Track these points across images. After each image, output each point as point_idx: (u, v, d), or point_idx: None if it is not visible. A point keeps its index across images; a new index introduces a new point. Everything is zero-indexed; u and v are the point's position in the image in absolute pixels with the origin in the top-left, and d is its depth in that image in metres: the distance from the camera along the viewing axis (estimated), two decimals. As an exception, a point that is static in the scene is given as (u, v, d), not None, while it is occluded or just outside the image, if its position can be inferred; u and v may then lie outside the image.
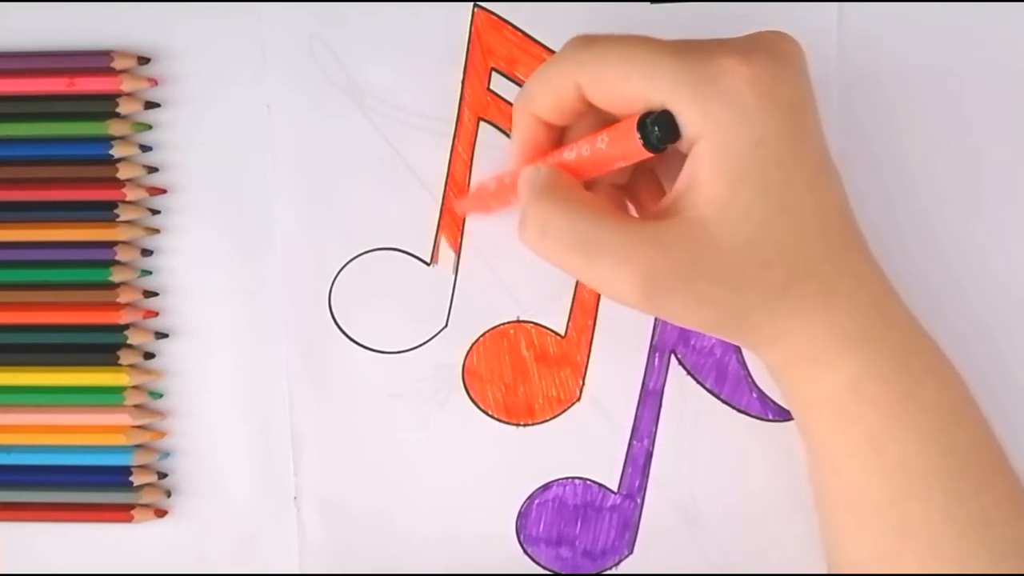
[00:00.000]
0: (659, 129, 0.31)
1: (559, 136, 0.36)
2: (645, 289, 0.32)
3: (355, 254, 0.41)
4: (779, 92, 0.31)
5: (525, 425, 0.41)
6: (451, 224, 0.41)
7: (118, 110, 0.40)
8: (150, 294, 0.41)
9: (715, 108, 0.31)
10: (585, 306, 0.41)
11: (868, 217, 0.40)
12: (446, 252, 0.41)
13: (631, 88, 0.32)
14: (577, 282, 0.41)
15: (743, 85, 0.31)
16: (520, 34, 0.40)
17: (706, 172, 0.31)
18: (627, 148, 0.32)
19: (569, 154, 0.34)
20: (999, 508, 0.34)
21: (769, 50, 0.32)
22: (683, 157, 0.32)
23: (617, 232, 0.32)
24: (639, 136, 0.31)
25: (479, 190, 0.39)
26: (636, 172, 0.37)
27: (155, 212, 0.41)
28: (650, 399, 0.41)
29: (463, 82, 0.40)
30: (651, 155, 0.32)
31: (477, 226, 0.41)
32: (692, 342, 0.41)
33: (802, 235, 0.32)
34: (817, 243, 0.32)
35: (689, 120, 0.31)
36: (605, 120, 0.33)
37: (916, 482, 0.33)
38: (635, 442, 0.41)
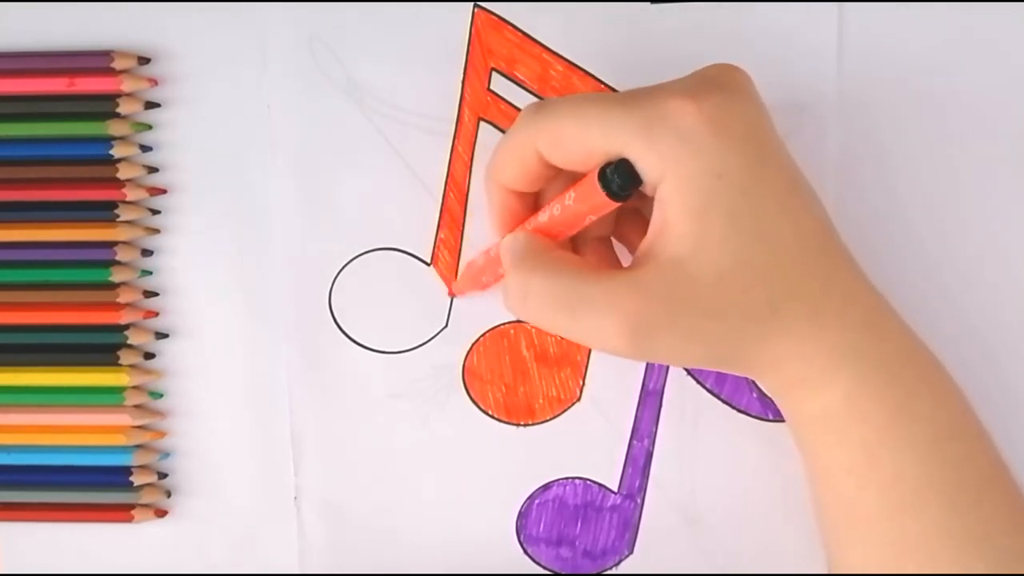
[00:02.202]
0: (619, 177, 0.32)
1: (534, 202, 0.37)
2: (632, 336, 0.32)
3: (355, 254, 0.41)
4: (732, 124, 0.32)
5: (525, 425, 0.41)
6: (451, 224, 0.41)
7: (118, 110, 0.40)
8: (150, 294, 0.41)
9: (670, 148, 0.31)
10: (585, 306, 0.41)
11: (869, 218, 0.40)
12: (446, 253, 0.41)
13: (588, 145, 0.33)
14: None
15: (693, 122, 0.31)
16: (520, 34, 0.40)
17: (673, 211, 0.32)
18: (593, 201, 0.33)
19: (543, 216, 0.35)
20: (998, 519, 0.33)
21: (717, 84, 0.33)
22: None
23: (596, 285, 0.33)
24: (601, 187, 0.32)
25: (469, 268, 0.40)
26: (622, 217, 0.37)
27: (155, 212, 0.41)
28: (650, 399, 0.41)
29: (463, 82, 0.40)
30: (617, 204, 0.32)
31: (477, 226, 0.41)
32: (692, 342, 0.41)
33: (781, 257, 0.32)
34: (798, 263, 0.33)
35: (648, 164, 0.32)
36: (574, 179, 0.34)
37: (912, 495, 0.33)
38: (635, 442, 0.41)
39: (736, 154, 0.32)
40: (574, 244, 0.37)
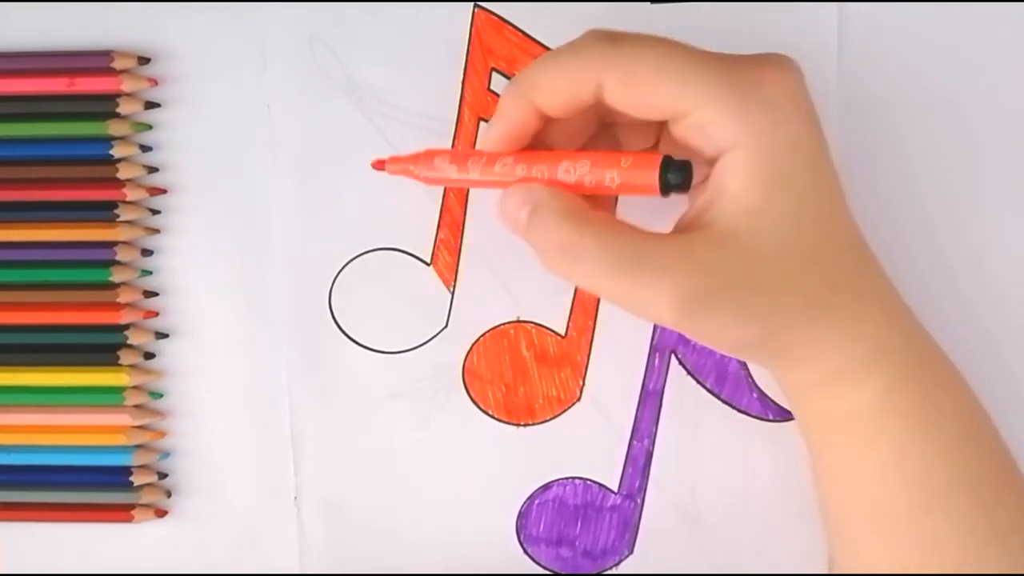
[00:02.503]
0: (680, 176, 0.31)
1: (536, 135, 0.35)
2: (683, 307, 0.31)
3: (355, 254, 0.41)
4: (807, 104, 0.32)
5: (525, 425, 0.41)
6: (451, 224, 0.41)
7: (118, 110, 0.40)
8: (150, 294, 0.41)
9: (754, 114, 0.31)
10: (585, 306, 0.41)
11: (869, 218, 0.40)
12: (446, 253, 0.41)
13: (662, 92, 0.31)
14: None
15: (779, 94, 0.31)
16: (520, 34, 0.40)
17: (740, 181, 0.31)
18: (641, 186, 0.31)
19: (568, 176, 0.33)
20: (1020, 515, 0.34)
21: (790, 67, 0.32)
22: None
23: (653, 248, 0.31)
24: (660, 183, 0.31)
25: (425, 156, 0.36)
26: (595, 140, 0.36)
27: (155, 212, 0.41)
28: (650, 399, 0.41)
29: (463, 82, 0.40)
30: (662, 197, 0.32)
31: (477, 226, 0.41)
32: (692, 342, 0.41)
33: (834, 244, 0.32)
34: (847, 252, 0.33)
35: (722, 129, 0.31)
36: (602, 118, 0.33)
37: (939, 493, 0.33)
38: (635, 442, 0.41)
39: (809, 132, 0.31)
40: None
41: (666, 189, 0.31)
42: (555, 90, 0.33)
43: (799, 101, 0.31)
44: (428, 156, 0.36)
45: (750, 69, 0.31)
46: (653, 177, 0.31)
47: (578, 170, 0.33)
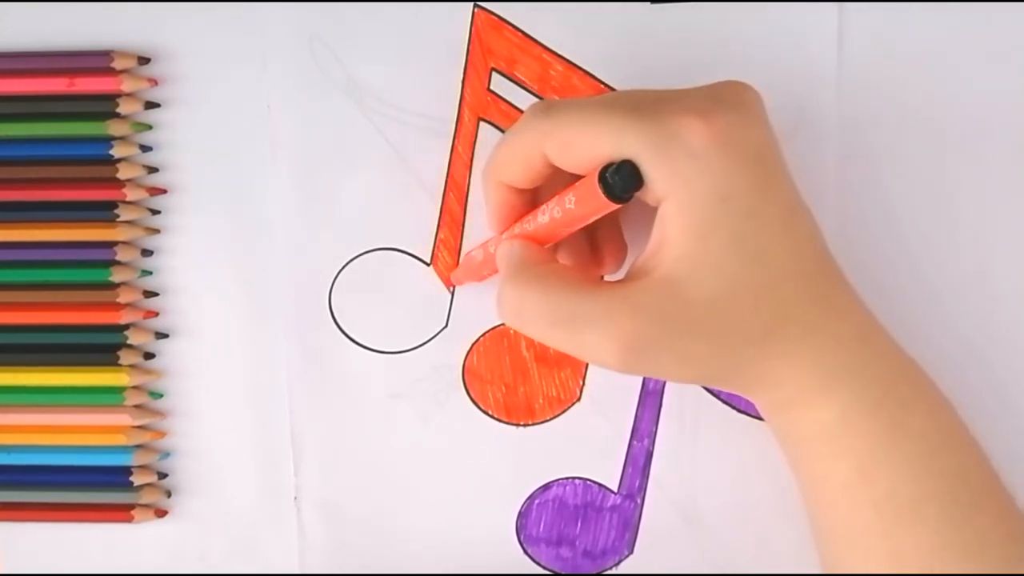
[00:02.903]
0: (620, 179, 0.32)
1: (532, 197, 0.37)
2: (625, 354, 0.32)
3: (355, 254, 0.41)
4: (742, 146, 0.32)
5: (525, 425, 0.41)
6: (451, 224, 0.41)
7: (118, 110, 0.40)
8: (150, 294, 0.41)
9: (678, 167, 0.31)
10: (585, 306, 0.41)
11: (868, 219, 0.40)
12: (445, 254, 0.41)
13: (597, 152, 0.32)
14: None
15: (703, 142, 0.31)
16: (520, 34, 0.40)
17: (674, 230, 0.32)
18: (594, 203, 0.32)
19: (543, 217, 0.35)
20: (994, 530, 0.34)
21: (728, 103, 0.32)
22: (647, 210, 0.33)
23: (590, 302, 0.32)
24: (601, 189, 0.32)
25: (468, 260, 0.40)
26: (600, 227, 0.37)
27: (155, 212, 0.41)
28: (650, 399, 0.41)
29: (463, 82, 0.40)
30: (618, 206, 0.32)
31: (477, 226, 0.41)
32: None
33: (780, 280, 0.32)
34: (796, 285, 0.33)
35: (655, 179, 0.31)
36: (576, 175, 0.34)
37: (908, 510, 0.33)
38: (635, 442, 0.41)
39: (743, 176, 0.32)
40: (558, 245, 0.37)
41: (611, 193, 0.32)
42: (512, 167, 0.35)
43: (728, 145, 0.31)
44: (468, 257, 0.40)
45: (675, 118, 0.31)
46: (595, 184, 0.32)
47: (550, 209, 0.34)
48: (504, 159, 0.35)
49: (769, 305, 0.32)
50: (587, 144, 0.32)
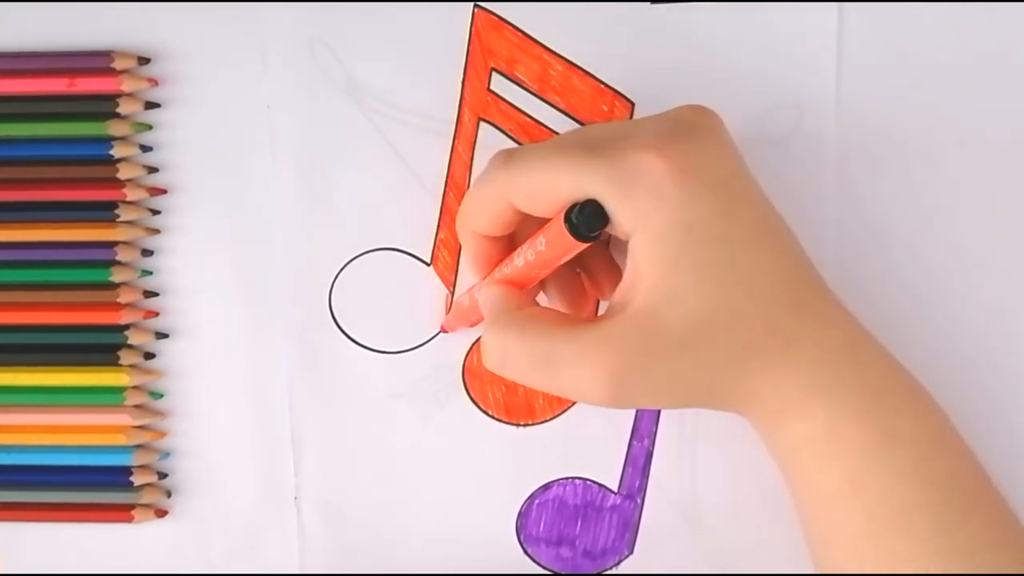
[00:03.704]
0: (584, 219, 0.32)
1: (508, 242, 0.37)
2: (610, 390, 0.32)
3: (355, 254, 0.41)
4: (701, 173, 0.32)
5: (525, 425, 0.41)
6: (451, 224, 0.41)
7: (118, 110, 0.40)
8: (150, 294, 0.41)
9: (640, 203, 0.32)
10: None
11: (868, 218, 0.40)
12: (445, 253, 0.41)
13: (560, 195, 0.33)
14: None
15: (661, 176, 0.31)
16: (520, 34, 0.40)
17: (644, 263, 0.32)
18: (563, 244, 0.33)
19: (518, 260, 0.35)
20: (986, 534, 0.34)
21: (686, 130, 0.33)
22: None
23: (570, 342, 0.33)
24: (568, 230, 0.32)
25: (457, 307, 0.40)
26: (590, 256, 0.37)
27: (155, 212, 0.41)
28: (650, 399, 0.41)
29: (463, 82, 0.40)
30: (587, 245, 0.32)
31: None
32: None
33: (757, 297, 0.33)
34: (775, 299, 0.33)
35: (620, 216, 0.32)
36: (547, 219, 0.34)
37: (898, 517, 0.33)
38: (635, 442, 0.41)
39: (705, 203, 0.32)
40: (544, 281, 0.37)
41: (578, 233, 0.32)
42: (481, 218, 0.36)
43: (687, 175, 0.32)
44: (457, 303, 0.40)
45: (633, 155, 0.32)
46: (562, 226, 0.32)
47: (524, 252, 0.35)
48: (472, 211, 0.36)
49: (747, 324, 0.32)
50: (549, 189, 0.33)
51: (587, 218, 0.32)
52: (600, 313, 0.40)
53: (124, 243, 0.41)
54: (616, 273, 0.38)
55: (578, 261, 0.35)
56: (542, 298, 0.39)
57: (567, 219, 0.32)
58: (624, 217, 0.32)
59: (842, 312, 0.35)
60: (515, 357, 0.34)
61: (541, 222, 0.34)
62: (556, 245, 0.33)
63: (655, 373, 0.33)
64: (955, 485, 0.34)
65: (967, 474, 0.34)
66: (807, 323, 0.33)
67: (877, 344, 0.35)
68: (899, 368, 0.35)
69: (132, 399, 0.41)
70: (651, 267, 0.32)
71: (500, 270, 0.36)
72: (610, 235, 0.34)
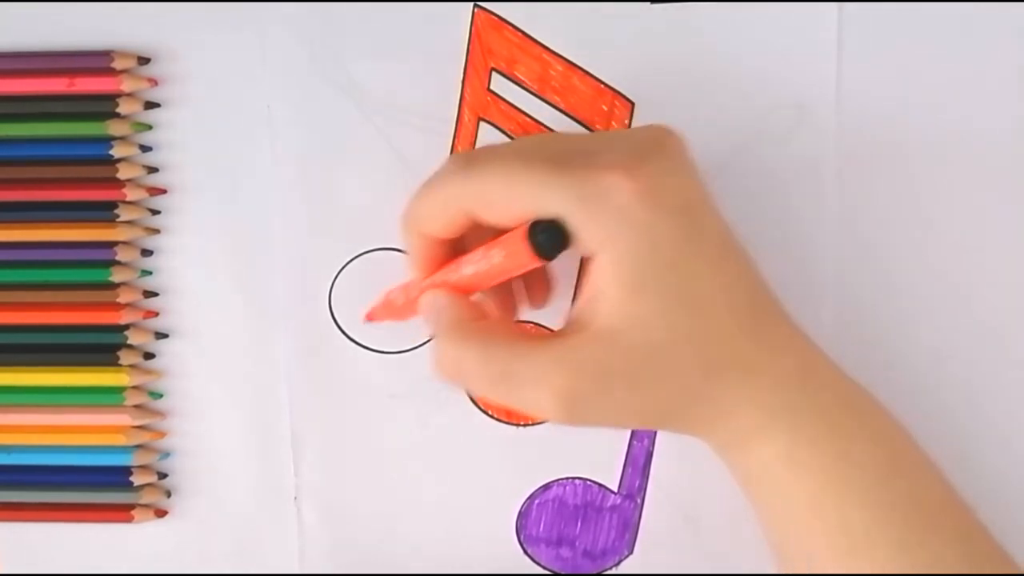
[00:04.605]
0: (549, 238, 0.31)
1: (455, 243, 0.36)
2: (566, 408, 0.32)
3: (355, 254, 0.41)
4: (667, 196, 0.32)
5: (525, 425, 0.41)
6: (451, 224, 0.41)
7: (118, 110, 0.40)
8: (150, 294, 0.41)
9: (607, 224, 0.31)
10: (585, 306, 0.41)
11: (868, 218, 0.40)
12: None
13: (520, 210, 0.32)
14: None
15: (628, 198, 0.31)
16: (520, 34, 0.40)
17: (607, 284, 0.32)
18: (521, 259, 0.32)
19: (468, 269, 0.35)
20: (951, 549, 0.34)
21: (651, 152, 0.32)
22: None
23: (528, 359, 0.33)
24: (531, 247, 0.32)
25: (388, 301, 0.39)
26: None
27: (155, 212, 0.41)
28: (650, 399, 0.41)
29: (463, 82, 0.40)
30: (546, 262, 0.32)
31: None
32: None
33: (714, 325, 0.33)
34: (731, 330, 0.33)
35: (585, 235, 0.32)
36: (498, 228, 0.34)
37: (860, 539, 0.33)
38: (635, 442, 0.41)
39: (671, 227, 0.32)
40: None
41: (540, 251, 0.32)
42: (432, 221, 0.35)
43: (654, 197, 0.31)
44: (388, 299, 0.39)
45: (600, 174, 0.31)
46: (524, 242, 0.32)
47: (476, 261, 0.34)
48: (423, 213, 0.35)
49: (704, 351, 0.33)
50: (509, 201, 0.33)
51: (552, 238, 0.31)
52: (519, 318, 0.40)
53: (124, 243, 0.41)
54: (546, 285, 0.38)
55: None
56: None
57: (530, 237, 0.32)
58: (589, 237, 0.32)
59: (798, 337, 0.35)
60: (471, 370, 0.34)
61: (490, 232, 0.34)
62: (513, 259, 0.33)
63: (612, 394, 0.33)
64: (917, 505, 0.34)
65: (929, 493, 0.34)
66: (763, 350, 0.33)
67: (833, 368, 0.35)
68: (856, 391, 0.35)
69: (132, 399, 0.41)
70: (614, 288, 0.32)
71: (445, 274, 0.36)
72: None
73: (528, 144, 0.36)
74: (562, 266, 0.38)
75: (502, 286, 0.37)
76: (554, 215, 0.32)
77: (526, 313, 0.40)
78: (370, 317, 0.40)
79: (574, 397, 0.32)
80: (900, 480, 0.34)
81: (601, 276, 0.32)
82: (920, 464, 0.35)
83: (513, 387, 0.33)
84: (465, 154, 0.34)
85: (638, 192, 0.31)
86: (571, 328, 0.33)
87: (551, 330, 0.39)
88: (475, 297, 0.36)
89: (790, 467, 0.33)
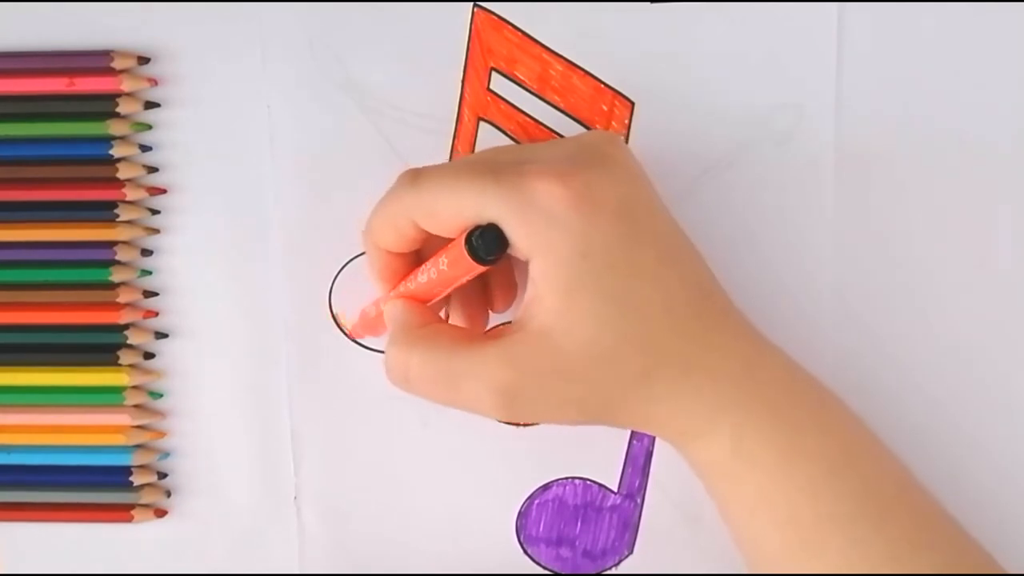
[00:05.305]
0: (484, 243, 0.33)
1: (415, 257, 0.37)
2: (505, 404, 0.33)
3: (355, 254, 0.41)
4: (601, 202, 0.33)
5: (525, 425, 0.41)
6: (451, 224, 0.41)
7: (118, 110, 0.40)
8: (150, 294, 0.41)
9: (539, 229, 0.32)
10: (585, 306, 0.41)
11: (868, 218, 0.40)
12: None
13: (463, 217, 0.33)
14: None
15: (561, 204, 0.32)
16: (520, 34, 0.40)
17: (542, 286, 0.33)
18: (463, 265, 0.34)
19: (422, 277, 0.36)
20: (906, 539, 0.34)
21: (589, 159, 0.33)
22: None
23: (469, 358, 0.34)
24: (468, 253, 0.33)
25: (364, 317, 0.40)
26: (493, 272, 0.37)
27: (155, 212, 0.41)
28: (650, 399, 0.41)
29: (463, 82, 0.40)
30: (486, 268, 0.33)
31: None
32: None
33: (652, 325, 0.33)
34: (670, 331, 0.33)
35: (519, 241, 0.33)
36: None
37: (811, 532, 0.34)
38: (635, 442, 0.41)
39: (603, 232, 0.32)
40: (452, 293, 0.38)
41: (477, 256, 0.33)
42: (386, 235, 0.36)
43: (587, 204, 0.32)
44: (363, 313, 0.40)
45: (533, 182, 0.32)
46: (463, 248, 0.33)
47: (428, 270, 0.36)
48: (377, 227, 0.37)
49: (642, 350, 0.33)
50: (452, 211, 0.34)
51: (487, 242, 0.33)
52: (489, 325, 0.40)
53: (124, 243, 0.41)
54: (511, 287, 0.39)
55: (481, 276, 0.35)
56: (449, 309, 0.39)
57: (467, 242, 0.33)
58: (522, 242, 0.33)
59: (744, 334, 0.35)
60: (417, 373, 0.35)
61: (445, 242, 0.35)
62: (457, 266, 0.34)
63: (548, 391, 0.33)
64: (869, 495, 0.34)
65: (883, 480, 0.35)
66: (703, 351, 0.34)
67: (785, 363, 0.35)
68: (806, 383, 0.35)
69: (132, 399, 0.41)
70: (548, 291, 0.33)
71: (405, 284, 0.37)
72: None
73: (475, 156, 0.38)
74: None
75: (470, 294, 0.38)
76: (495, 220, 0.33)
77: (495, 318, 0.40)
78: (352, 334, 0.41)
79: (512, 392, 0.33)
80: (851, 470, 0.34)
81: (537, 279, 0.33)
82: (873, 453, 0.35)
83: (453, 385, 0.34)
84: (414, 170, 0.36)
85: (570, 199, 0.32)
86: (512, 328, 0.34)
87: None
88: (447, 308, 0.38)
89: (738, 461, 0.34)
